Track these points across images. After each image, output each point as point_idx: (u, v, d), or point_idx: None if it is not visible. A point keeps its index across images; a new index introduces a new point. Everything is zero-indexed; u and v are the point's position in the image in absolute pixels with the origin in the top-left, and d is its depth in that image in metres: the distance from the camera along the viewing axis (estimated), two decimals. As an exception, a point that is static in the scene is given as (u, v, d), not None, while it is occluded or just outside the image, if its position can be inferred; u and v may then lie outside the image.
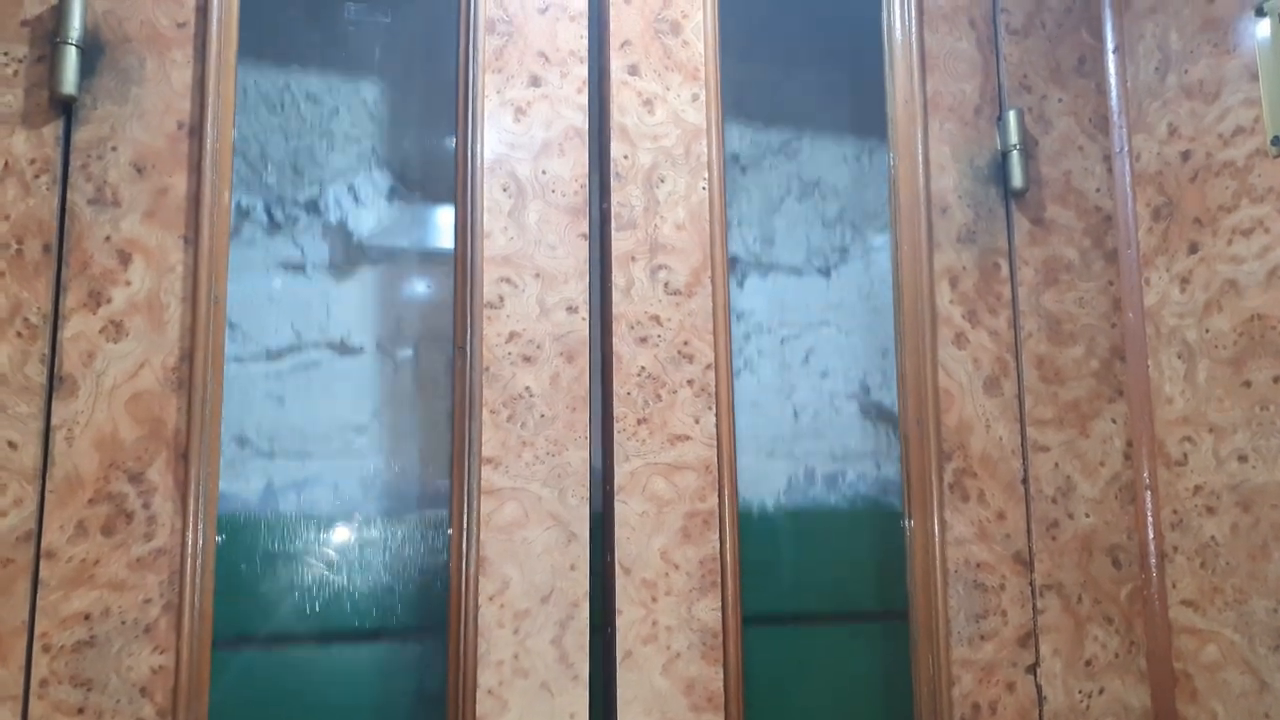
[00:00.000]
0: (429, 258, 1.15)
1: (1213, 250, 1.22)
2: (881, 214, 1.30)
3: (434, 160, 1.16)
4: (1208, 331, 1.22)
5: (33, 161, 0.99)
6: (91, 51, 1.02)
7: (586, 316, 1.13)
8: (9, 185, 0.98)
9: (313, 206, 1.11)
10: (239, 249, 1.07)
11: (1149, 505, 1.27)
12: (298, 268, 1.10)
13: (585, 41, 1.18)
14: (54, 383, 0.97)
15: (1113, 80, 1.35)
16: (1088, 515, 1.26)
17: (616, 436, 1.12)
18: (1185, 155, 1.25)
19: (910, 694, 1.20)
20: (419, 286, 1.14)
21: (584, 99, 1.17)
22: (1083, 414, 1.28)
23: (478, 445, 1.07)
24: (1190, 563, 1.23)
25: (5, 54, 0.99)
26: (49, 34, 1.00)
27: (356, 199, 1.13)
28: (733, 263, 1.24)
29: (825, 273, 1.27)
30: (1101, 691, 1.24)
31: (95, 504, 0.96)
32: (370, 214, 1.13)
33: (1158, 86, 1.30)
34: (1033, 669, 1.22)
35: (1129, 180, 1.32)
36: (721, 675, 1.11)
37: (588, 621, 1.08)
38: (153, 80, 1.04)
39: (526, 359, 1.10)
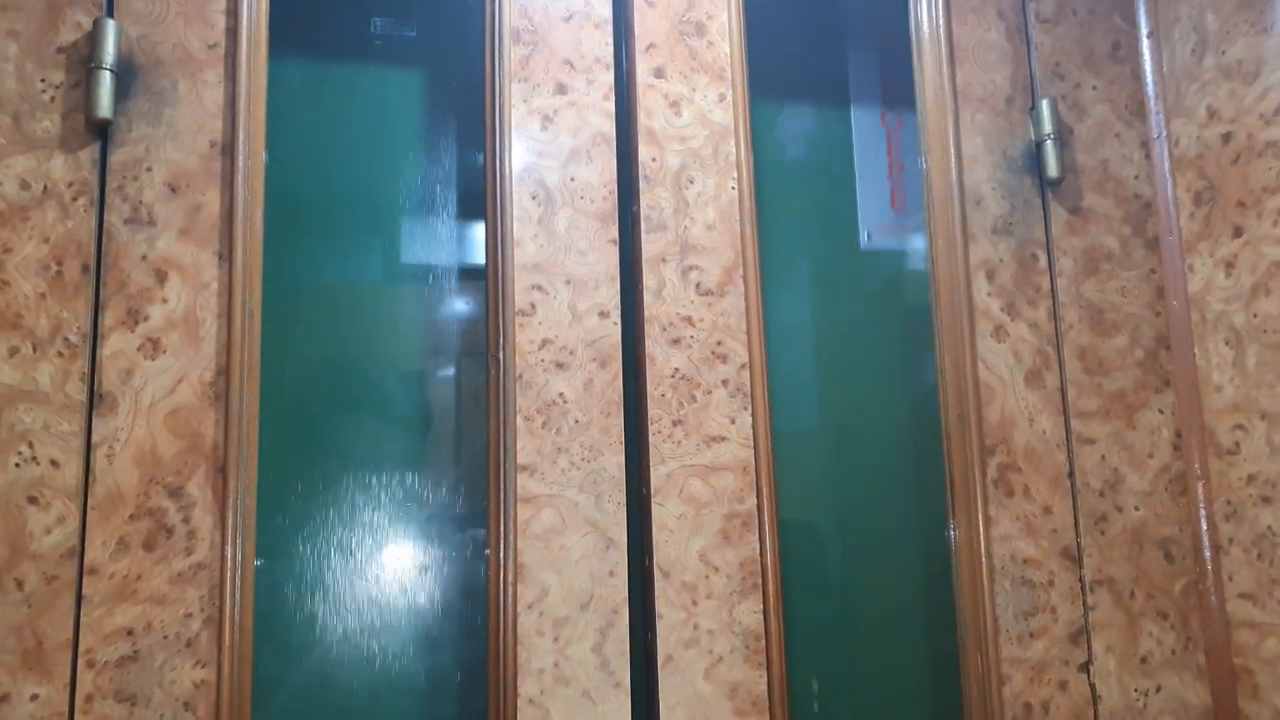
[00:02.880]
0: (464, 272, 1.10)
1: (1258, 233, 1.12)
2: (914, 209, 1.22)
3: (465, 173, 1.11)
4: (1255, 316, 1.12)
5: (70, 184, 0.95)
6: (125, 75, 0.98)
7: (618, 321, 1.07)
8: (48, 208, 0.94)
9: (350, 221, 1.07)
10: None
11: (1201, 497, 1.17)
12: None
13: (610, 48, 1.12)
14: (94, 400, 0.93)
15: (1148, 65, 1.25)
16: (1137, 508, 1.17)
17: (652, 439, 1.05)
18: (1226, 137, 1.16)
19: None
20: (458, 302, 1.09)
21: (610, 105, 1.11)
22: (1129, 405, 1.19)
23: (513, 453, 1.01)
24: (1247, 554, 1.13)
25: (43, 80, 0.96)
26: (84, 59, 0.97)
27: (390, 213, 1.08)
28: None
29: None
30: (1159, 689, 1.14)
31: (136, 519, 0.92)
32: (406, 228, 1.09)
33: (1195, 69, 1.20)
34: (1085, 667, 1.13)
35: (1168, 166, 1.22)
36: (765, 679, 1.04)
37: (628, 628, 1.02)
38: (185, 101, 1.00)
39: (559, 365, 1.04)
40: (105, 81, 0.96)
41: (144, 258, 0.96)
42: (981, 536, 1.12)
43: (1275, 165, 1.10)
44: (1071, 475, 1.16)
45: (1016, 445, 1.15)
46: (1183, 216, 1.20)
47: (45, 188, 0.94)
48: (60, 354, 0.92)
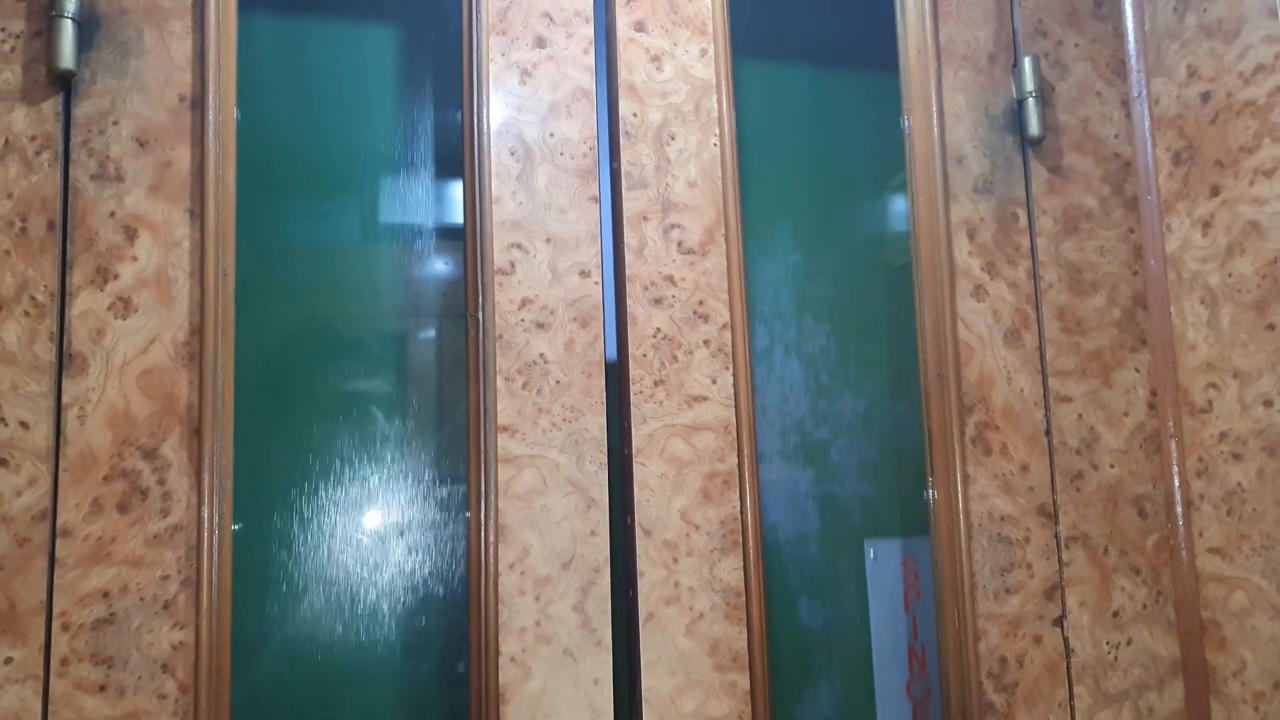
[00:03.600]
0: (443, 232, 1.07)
1: (1234, 192, 1.12)
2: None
3: (443, 129, 1.08)
4: (1230, 276, 1.12)
5: (33, 138, 0.91)
6: (88, 25, 0.94)
7: (600, 280, 1.05)
8: (10, 163, 0.90)
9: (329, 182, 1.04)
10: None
11: (1174, 454, 1.18)
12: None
13: (590, 0, 1.09)
14: (64, 361, 0.90)
15: (1130, 23, 1.24)
16: (1112, 466, 1.17)
17: (633, 399, 1.04)
18: (1205, 96, 1.15)
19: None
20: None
21: (590, 59, 1.08)
22: (1105, 364, 1.19)
23: (493, 413, 1.00)
24: (1217, 510, 1.13)
25: (2, 30, 0.91)
26: (45, 8, 0.92)
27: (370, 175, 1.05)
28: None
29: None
30: (1129, 642, 1.15)
31: (110, 481, 0.89)
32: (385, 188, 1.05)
33: (1176, 27, 1.19)
34: (1059, 621, 1.14)
35: (1148, 125, 1.21)
36: (745, 635, 1.04)
37: (609, 586, 1.01)
38: (152, 53, 0.96)
39: (540, 325, 1.02)
40: (67, 30, 0.92)
41: (112, 214, 0.92)
42: (959, 494, 1.12)
43: (1253, 125, 1.09)
44: (1049, 433, 1.16)
45: (995, 404, 1.15)
46: (1161, 176, 1.20)
47: (6, 141, 0.90)
48: (27, 313, 0.89)
